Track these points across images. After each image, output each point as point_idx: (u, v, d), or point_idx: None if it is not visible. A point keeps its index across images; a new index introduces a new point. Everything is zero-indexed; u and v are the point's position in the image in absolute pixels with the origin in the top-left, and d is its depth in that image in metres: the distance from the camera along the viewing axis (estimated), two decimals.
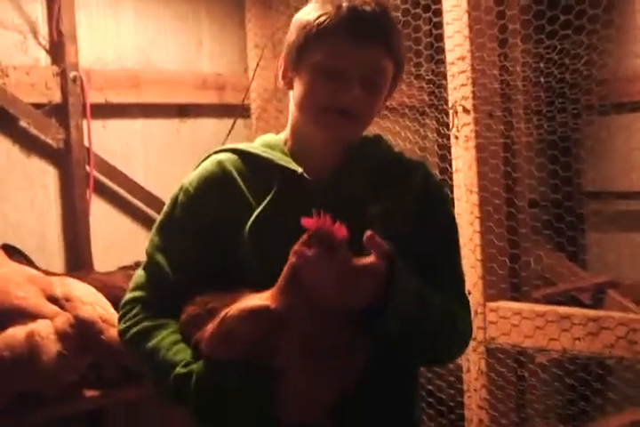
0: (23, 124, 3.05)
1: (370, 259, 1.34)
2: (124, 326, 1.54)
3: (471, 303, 1.64)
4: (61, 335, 2.40)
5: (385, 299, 1.35)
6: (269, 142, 1.60)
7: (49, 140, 3.10)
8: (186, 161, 3.34)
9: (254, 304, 1.38)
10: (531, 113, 3.35)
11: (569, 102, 3.42)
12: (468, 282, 2.58)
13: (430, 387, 3.23)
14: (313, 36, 1.47)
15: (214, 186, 1.55)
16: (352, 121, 1.50)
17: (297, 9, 1.58)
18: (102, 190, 3.24)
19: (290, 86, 1.55)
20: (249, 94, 3.57)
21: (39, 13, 3.08)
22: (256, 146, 1.60)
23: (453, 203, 2.64)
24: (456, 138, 2.67)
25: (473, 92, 2.60)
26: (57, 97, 3.08)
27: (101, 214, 3.23)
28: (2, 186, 3.01)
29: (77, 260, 3.11)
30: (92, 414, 2.96)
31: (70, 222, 3.12)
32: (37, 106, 3.04)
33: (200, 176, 1.57)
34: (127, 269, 2.92)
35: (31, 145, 3.08)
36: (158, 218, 1.60)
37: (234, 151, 1.59)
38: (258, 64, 3.52)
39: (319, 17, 1.47)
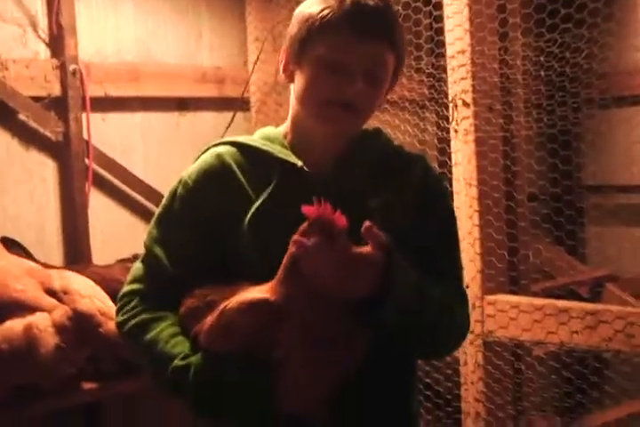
0: (22, 117, 3.04)
1: (367, 248, 1.34)
2: (122, 318, 1.54)
3: (469, 297, 1.65)
4: (59, 328, 2.40)
5: (383, 290, 1.36)
6: (269, 135, 1.60)
7: (48, 134, 3.09)
8: (185, 154, 3.34)
9: (253, 297, 1.38)
10: (531, 106, 3.35)
11: (569, 96, 3.42)
12: (466, 275, 2.58)
13: (428, 380, 3.24)
14: (316, 30, 1.47)
15: (213, 179, 1.55)
16: (354, 114, 1.50)
17: (297, 2, 1.57)
18: (101, 183, 3.24)
19: (291, 79, 1.54)
20: (249, 88, 3.56)
21: (39, 6, 3.08)
22: (255, 139, 1.59)
23: (452, 196, 2.64)
24: (455, 131, 2.66)
25: (473, 86, 2.60)
26: (56, 90, 3.07)
27: (100, 207, 3.23)
28: (1, 179, 3.01)
29: (76, 253, 3.11)
30: (90, 406, 2.97)
31: (69, 215, 3.12)
32: (37, 99, 3.04)
33: (199, 169, 1.57)
34: (125, 262, 2.92)
35: (30, 138, 3.07)
36: (157, 211, 1.60)
37: (233, 144, 1.59)
38: (258, 57, 3.51)
39: (322, 10, 1.47)
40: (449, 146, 2.76)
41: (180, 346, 1.46)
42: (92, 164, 3.15)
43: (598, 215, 4.13)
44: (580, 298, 3.79)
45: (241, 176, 1.54)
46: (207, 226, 1.53)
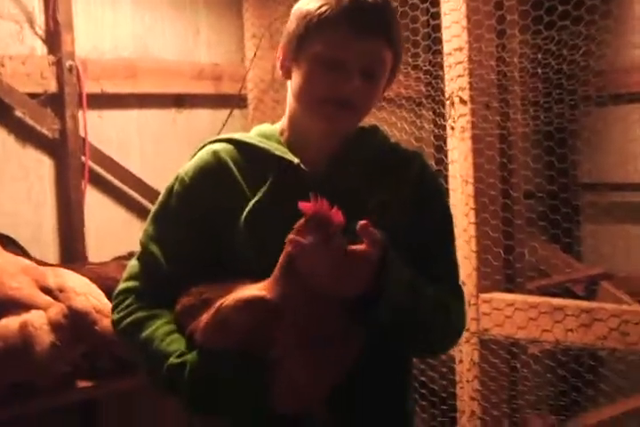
0: (19, 114, 3.03)
1: (362, 246, 1.34)
2: (118, 316, 1.53)
3: (465, 294, 1.64)
4: (55, 326, 2.40)
5: (378, 288, 1.36)
6: (265, 132, 1.59)
7: (44, 131, 3.09)
8: (182, 151, 3.33)
9: (250, 294, 1.38)
10: (527, 104, 3.35)
11: (566, 93, 3.42)
12: (462, 273, 2.57)
13: (423, 378, 3.24)
14: (314, 26, 1.47)
15: (210, 176, 1.55)
16: (351, 112, 1.50)
17: None
18: (97, 181, 3.24)
19: (288, 76, 1.54)
20: (246, 84, 3.56)
21: (35, 3, 3.07)
22: (252, 136, 1.59)
23: (449, 194, 2.65)
24: (452, 129, 2.66)
25: (470, 83, 2.60)
26: (53, 87, 3.06)
27: (96, 205, 3.22)
28: None
29: (72, 250, 3.11)
30: (86, 404, 2.97)
31: (65, 213, 3.11)
32: (33, 96, 3.03)
33: (196, 166, 1.57)
34: (121, 260, 2.92)
35: (27, 135, 3.06)
36: (153, 208, 1.60)
37: (229, 141, 1.59)
38: (255, 54, 3.51)
39: (320, 7, 1.47)
40: (445, 143, 2.76)
41: (176, 344, 1.45)
42: (89, 161, 3.14)
43: (593, 213, 4.13)
44: (575, 296, 3.79)
45: (237, 173, 1.54)
46: (203, 223, 1.53)
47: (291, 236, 1.35)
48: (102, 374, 2.59)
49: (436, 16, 2.83)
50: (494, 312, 2.59)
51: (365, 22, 1.46)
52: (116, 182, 3.29)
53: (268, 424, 1.42)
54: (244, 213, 1.50)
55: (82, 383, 2.56)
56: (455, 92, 2.63)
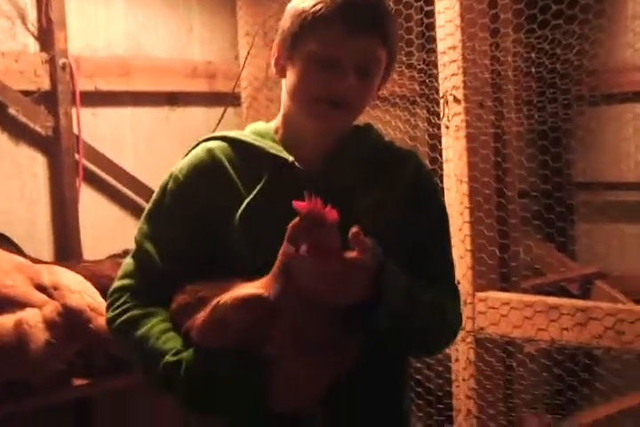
0: (12, 111, 3.02)
1: (355, 254, 1.33)
2: (113, 314, 1.53)
3: (460, 293, 1.64)
4: (50, 324, 2.39)
5: (375, 295, 1.35)
6: (260, 130, 1.59)
7: (38, 128, 3.08)
8: (175, 149, 3.32)
9: (247, 293, 1.38)
10: (521, 103, 3.36)
11: (560, 93, 3.43)
12: (457, 272, 2.58)
13: (419, 377, 3.24)
14: (308, 24, 1.46)
15: (204, 173, 1.54)
16: (345, 110, 1.50)
17: None
18: (91, 178, 3.23)
19: (282, 74, 1.54)
20: (239, 82, 3.55)
21: None
22: (247, 134, 1.59)
23: (443, 193, 2.64)
24: (446, 127, 2.66)
25: (464, 82, 2.60)
26: (46, 84, 3.05)
27: (90, 202, 3.21)
28: None
29: (66, 248, 3.10)
30: (81, 402, 2.96)
31: (59, 210, 3.10)
32: (26, 93, 3.02)
33: (190, 164, 1.56)
34: (116, 258, 2.91)
35: (20, 133, 3.06)
36: (147, 206, 1.59)
37: (224, 139, 1.58)
38: (249, 52, 3.50)
39: (315, 5, 1.46)
40: (440, 142, 2.76)
41: (172, 342, 1.45)
42: (82, 159, 3.14)
43: (587, 212, 4.14)
44: (570, 295, 3.80)
45: (232, 171, 1.53)
46: (198, 221, 1.52)
47: (284, 247, 1.33)
48: (97, 372, 2.59)
49: (430, 14, 2.83)
50: (490, 311, 2.59)
51: (360, 20, 1.46)
52: (110, 180, 3.29)
53: (266, 423, 1.42)
54: (239, 211, 1.49)
55: (77, 381, 2.56)
56: (449, 90, 2.63)
